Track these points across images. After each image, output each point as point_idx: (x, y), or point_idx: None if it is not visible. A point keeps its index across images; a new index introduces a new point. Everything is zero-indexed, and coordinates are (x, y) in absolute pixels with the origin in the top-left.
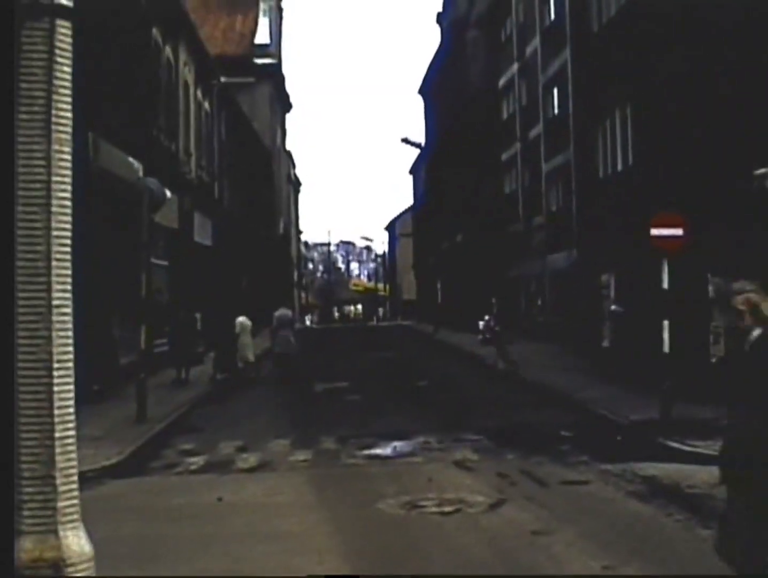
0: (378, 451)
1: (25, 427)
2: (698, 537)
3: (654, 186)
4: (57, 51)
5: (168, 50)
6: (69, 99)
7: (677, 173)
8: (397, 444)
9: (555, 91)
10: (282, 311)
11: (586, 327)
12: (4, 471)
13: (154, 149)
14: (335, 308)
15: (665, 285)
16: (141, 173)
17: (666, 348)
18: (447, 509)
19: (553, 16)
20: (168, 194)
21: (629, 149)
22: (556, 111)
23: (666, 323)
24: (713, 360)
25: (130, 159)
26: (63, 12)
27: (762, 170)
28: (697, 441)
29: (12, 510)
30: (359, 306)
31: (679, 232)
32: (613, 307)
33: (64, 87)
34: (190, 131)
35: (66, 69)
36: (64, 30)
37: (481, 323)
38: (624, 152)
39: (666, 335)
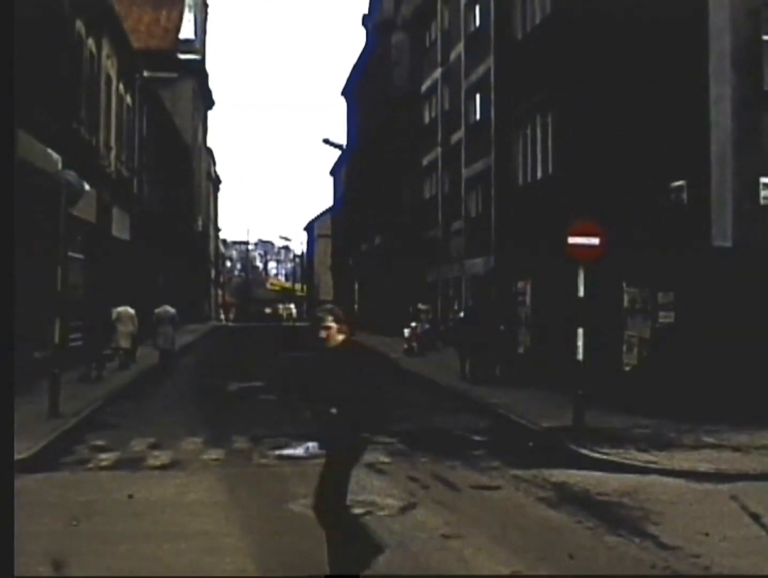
0: (290, 451)
1: None
2: (606, 545)
3: (572, 195)
4: None
5: (91, 43)
6: None
7: (596, 182)
8: (310, 444)
9: (477, 97)
10: (163, 308)
11: (502, 333)
12: (4, 473)
13: (74, 141)
14: (270, 308)
15: (581, 293)
16: (60, 166)
17: (580, 356)
18: (357, 511)
19: (478, 22)
20: (86, 187)
21: (549, 158)
22: (478, 117)
23: (581, 331)
24: (626, 368)
25: (50, 151)
26: None
27: (678, 183)
28: (608, 448)
29: (12, 511)
30: (292, 305)
31: (595, 241)
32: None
33: None
34: (111, 125)
35: None
36: None
37: (406, 331)
38: (544, 160)
39: (580, 343)
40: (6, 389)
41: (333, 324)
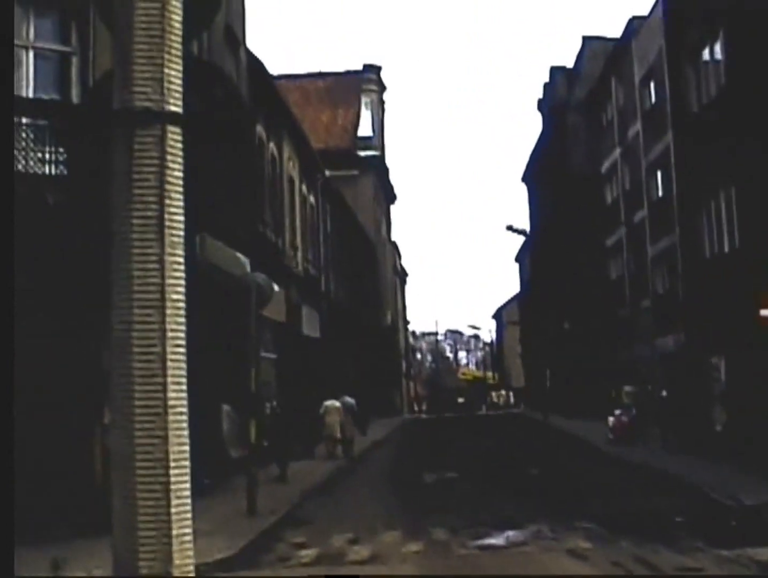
0: (490, 541)
1: (143, 525)
2: None
3: (761, 266)
4: (168, 157)
5: (272, 146)
6: (181, 203)
7: None
8: (510, 533)
9: (659, 174)
10: (343, 399)
11: (697, 410)
12: (4, 471)
13: (261, 243)
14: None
15: None
16: (248, 268)
17: None
18: None
19: (653, 98)
20: (275, 288)
21: (735, 230)
22: (660, 194)
23: None
24: None
25: (238, 255)
26: (174, 118)
27: None
28: None
29: (12, 511)
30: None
31: None
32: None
33: (176, 192)
34: (296, 225)
35: (177, 174)
36: (174, 136)
37: (611, 419)
38: (730, 232)
39: None
40: (7, 379)
41: None
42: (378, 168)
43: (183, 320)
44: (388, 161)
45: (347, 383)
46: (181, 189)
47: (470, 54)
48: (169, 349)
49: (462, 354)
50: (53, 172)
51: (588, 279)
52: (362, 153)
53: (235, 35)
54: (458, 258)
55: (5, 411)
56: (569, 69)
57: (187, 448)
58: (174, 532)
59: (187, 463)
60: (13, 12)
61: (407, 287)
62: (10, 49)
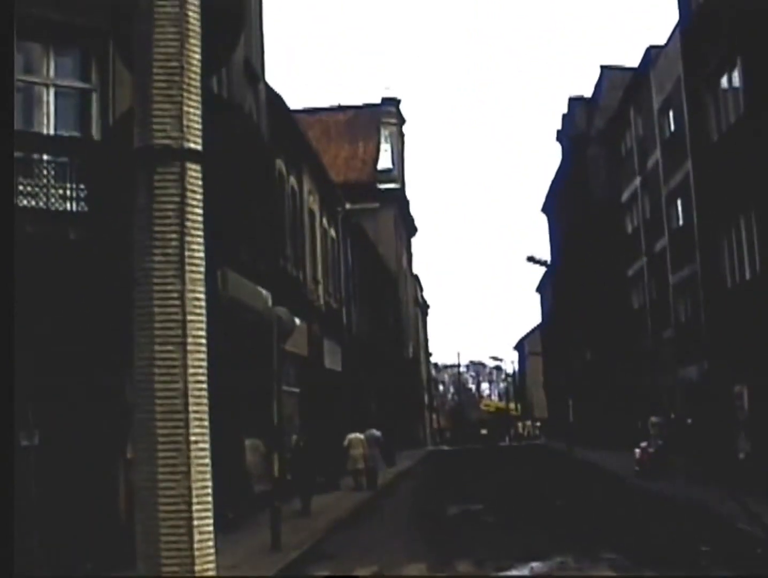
0: (515, 572)
1: (166, 560)
2: None
3: None
4: (188, 194)
5: (292, 180)
6: (201, 240)
7: None
8: (534, 564)
9: (679, 202)
10: (369, 432)
11: (720, 439)
12: (4, 470)
13: (282, 277)
14: (486, 429)
15: None
16: (270, 302)
17: None
18: None
19: (672, 127)
20: (297, 321)
21: (756, 257)
22: (680, 222)
23: None
24: None
25: (259, 289)
26: (193, 156)
27: None
28: None
29: (12, 511)
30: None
31: None
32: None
33: (196, 228)
34: (317, 258)
35: (197, 211)
36: (194, 173)
37: (637, 451)
38: (751, 260)
39: None
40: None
41: None
42: (398, 200)
43: (204, 355)
44: (409, 193)
45: (370, 415)
46: (201, 225)
47: (488, 86)
48: (190, 384)
49: (484, 385)
50: (74, 208)
51: (610, 309)
52: (382, 186)
53: (254, 70)
54: (480, 290)
55: (5, 414)
56: (587, 99)
57: (209, 483)
58: (197, 568)
59: (209, 498)
60: (13, 42)
61: (429, 319)
62: (10, 78)
